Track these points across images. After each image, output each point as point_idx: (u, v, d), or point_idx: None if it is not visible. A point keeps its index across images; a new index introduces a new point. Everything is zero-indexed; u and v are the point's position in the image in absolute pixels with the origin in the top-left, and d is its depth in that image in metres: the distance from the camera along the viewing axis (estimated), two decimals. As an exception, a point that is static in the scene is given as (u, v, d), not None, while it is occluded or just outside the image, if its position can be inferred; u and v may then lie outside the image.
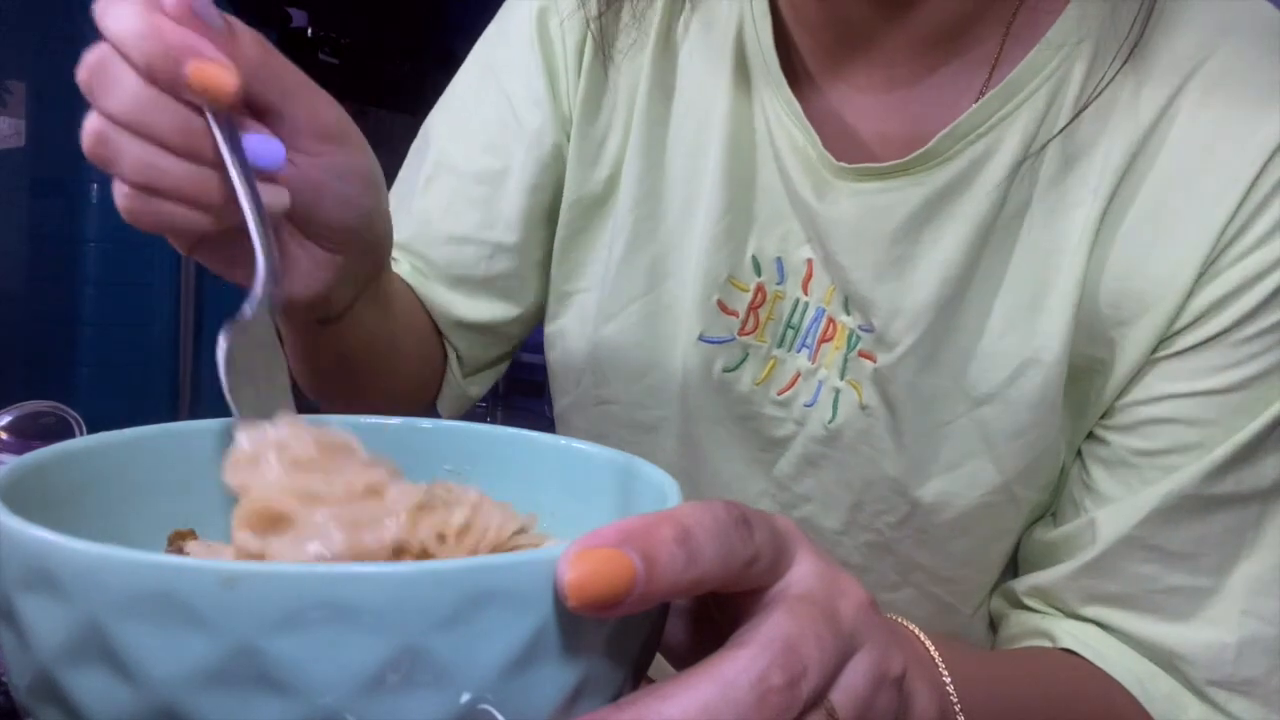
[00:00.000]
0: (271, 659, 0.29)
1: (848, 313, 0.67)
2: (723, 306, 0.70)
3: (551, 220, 0.77)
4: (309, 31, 3.37)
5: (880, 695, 0.37)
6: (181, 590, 0.29)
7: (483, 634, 0.30)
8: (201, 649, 0.29)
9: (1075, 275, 0.60)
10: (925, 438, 0.65)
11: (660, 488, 0.39)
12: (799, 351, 0.69)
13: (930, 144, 0.62)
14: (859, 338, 0.67)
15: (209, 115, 0.46)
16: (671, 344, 0.71)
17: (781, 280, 0.69)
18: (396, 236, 0.77)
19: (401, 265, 0.79)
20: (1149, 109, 0.60)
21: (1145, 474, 0.60)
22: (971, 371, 0.63)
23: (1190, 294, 0.58)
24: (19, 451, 0.49)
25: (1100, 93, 0.60)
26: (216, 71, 0.45)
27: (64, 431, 0.76)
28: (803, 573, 0.36)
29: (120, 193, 0.48)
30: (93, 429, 0.43)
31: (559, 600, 0.31)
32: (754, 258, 0.69)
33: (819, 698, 0.34)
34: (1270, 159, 0.57)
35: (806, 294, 0.68)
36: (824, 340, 0.68)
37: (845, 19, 0.65)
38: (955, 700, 0.46)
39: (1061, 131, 0.61)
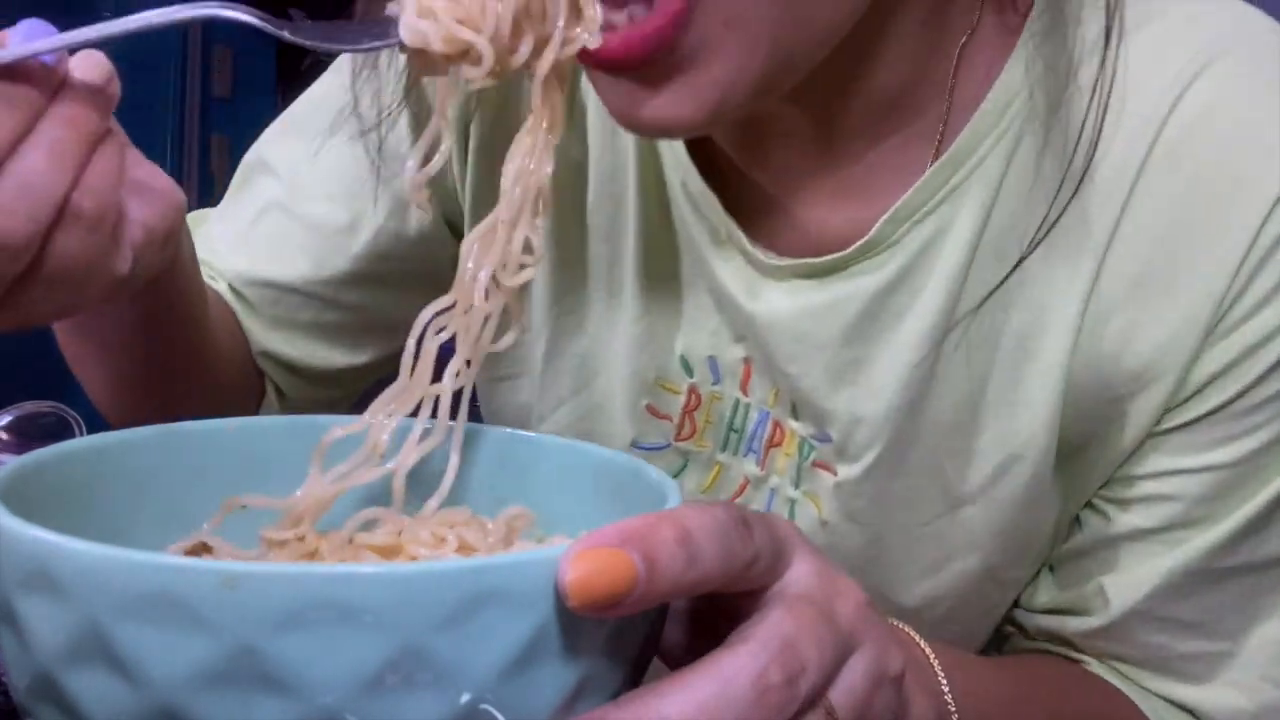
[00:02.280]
0: (272, 659, 0.29)
1: (796, 418, 0.59)
2: (653, 411, 0.62)
3: (410, 286, 0.66)
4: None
5: (879, 694, 0.37)
6: (182, 591, 0.29)
7: (483, 634, 0.30)
8: (202, 649, 0.29)
9: (1058, 361, 0.53)
10: (903, 543, 0.59)
11: (660, 488, 0.39)
12: (745, 457, 0.61)
13: (872, 232, 0.54)
14: (812, 447, 0.59)
15: None
16: (608, 447, 0.60)
17: (717, 381, 0.61)
18: (208, 255, 0.69)
19: (217, 284, 0.70)
20: (1126, 170, 0.51)
21: (1150, 547, 0.55)
22: (949, 471, 0.56)
23: (1192, 364, 0.52)
24: (19, 452, 0.49)
25: (1056, 221, 0.51)
26: None
27: (64, 432, 0.76)
28: (801, 573, 0.36)
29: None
30: (92, 429, 0.43)
31: (559, 600, 0.31)
32: (683, 357, 0.61)
33: (817, 696, 0.34)
34: (1269, 213, 0.49)
35: (746, 395, 0.60)
36: (772, 445, 0.60)
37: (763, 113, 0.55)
38: (952, 708, 0.46)
39: (1034, 246, 0.51)
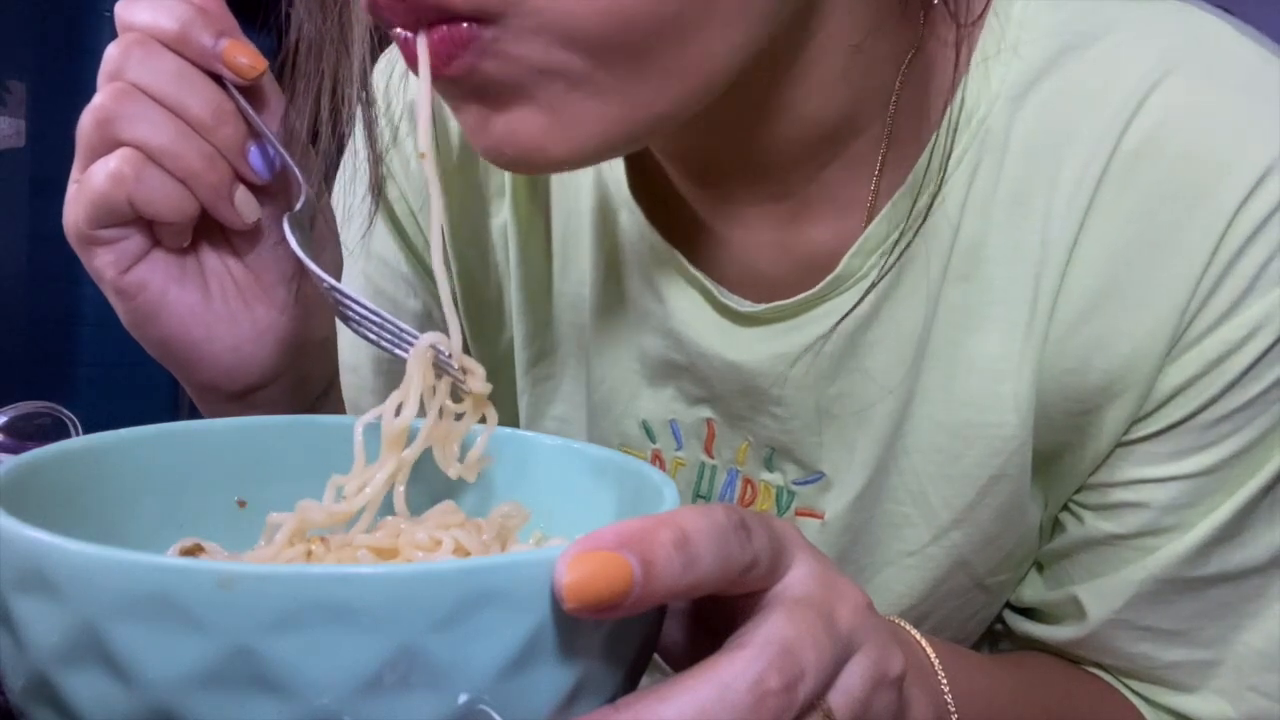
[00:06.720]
0: (268, 660, 0.29)
1: (771, 470, 0.58)
2: None
3: None
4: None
5: (879, 697, 0.37)
6: (178, 592, 0.29)
7: (480, 635, 0.30)
8: (198, 650, 0.29)
9: (1029, 378, 0.53)
10: (893, 574, 0.58)
11: (659, 489, 0.39)
12: None
13: (840, 267, 0.53)
14: (793, 494, 0.58)
15: (230, 88, 0.49)
16: None
17: (680, 446, 0.60)
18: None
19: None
20: (1084, 184, 0.51)
21: (1123, 554, 0.55)
22: (934, 498, 0.56)
23: (1157, 377, 0.51)
24: (15, 452, 0.49)
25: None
26: (247, 49, 0.49)
27: (60, 432, 0.75)
28: (800, 576, 0.36)
29: (105, 170, 0.48)
30: (93, 430, 0.43)
31: (556, 601, 0.31)
32: (644, 423, 0.61)
33: (816, 700, 0.34)
34: (1229, 225, 0.49)
35: (711, 457, 0.60)
36: (744, 504, 0.59)
37: (702, 146, 0.54)
38: (952, 709, 0.46)
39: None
